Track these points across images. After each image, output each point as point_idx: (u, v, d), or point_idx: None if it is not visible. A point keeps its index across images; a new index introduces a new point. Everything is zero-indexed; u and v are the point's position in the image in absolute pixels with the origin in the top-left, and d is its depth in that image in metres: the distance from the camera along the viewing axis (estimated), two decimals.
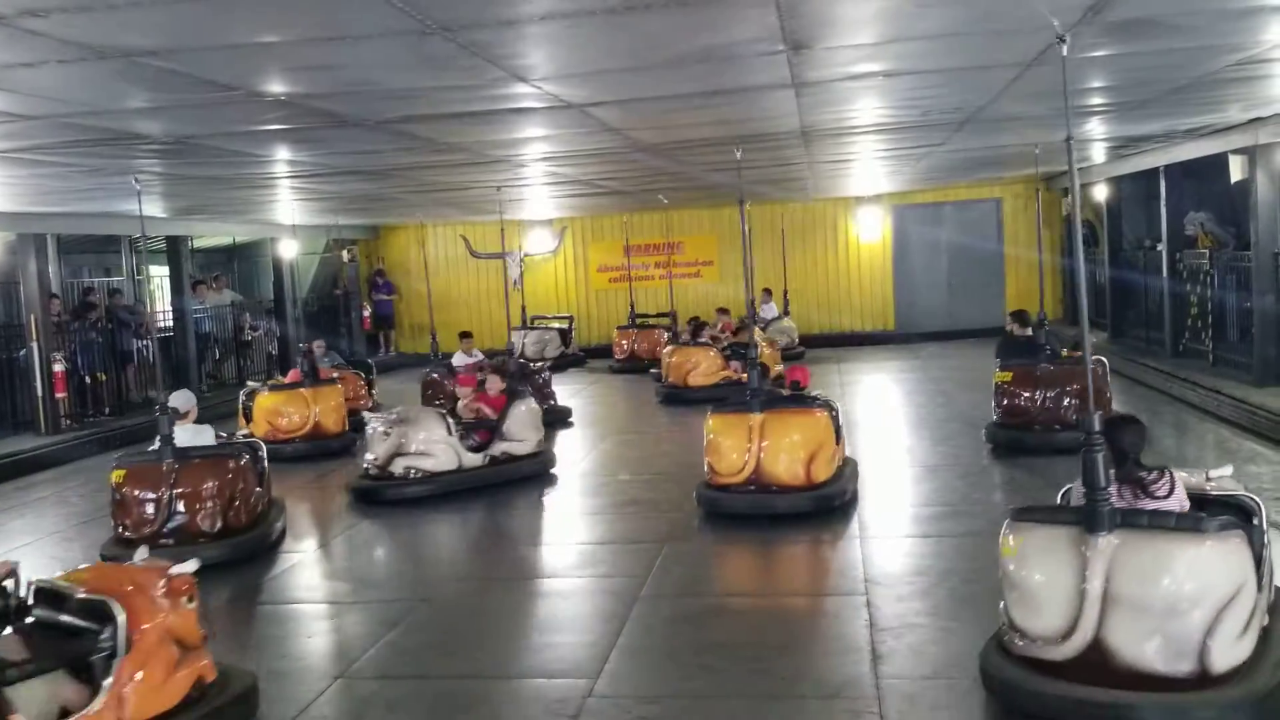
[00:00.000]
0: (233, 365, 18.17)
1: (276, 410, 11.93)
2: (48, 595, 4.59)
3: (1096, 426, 4.53)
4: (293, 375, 12.80)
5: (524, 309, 18.92)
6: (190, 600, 4.74)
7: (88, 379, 14.43)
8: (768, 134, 9.46)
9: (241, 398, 12.53)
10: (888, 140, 10.78)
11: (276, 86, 6.07)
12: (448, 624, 6.38)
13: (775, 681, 5.11)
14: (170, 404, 8.23)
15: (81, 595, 4.53)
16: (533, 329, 19.14)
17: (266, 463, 8.37)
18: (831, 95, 7.52)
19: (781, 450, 7.99)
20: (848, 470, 8.54)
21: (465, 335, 14.77)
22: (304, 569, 7.77)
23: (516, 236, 21.22)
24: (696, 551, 7.58)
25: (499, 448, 9.84)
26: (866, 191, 19.64)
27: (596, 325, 21.24)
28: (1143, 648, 4.27)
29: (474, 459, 9.62)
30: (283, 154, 9.13)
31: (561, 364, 18.23)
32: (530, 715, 4.94)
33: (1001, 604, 4.83)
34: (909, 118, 8.98)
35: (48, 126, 6.71)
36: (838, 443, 8.34)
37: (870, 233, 20.81)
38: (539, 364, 14.14)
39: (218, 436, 8.38)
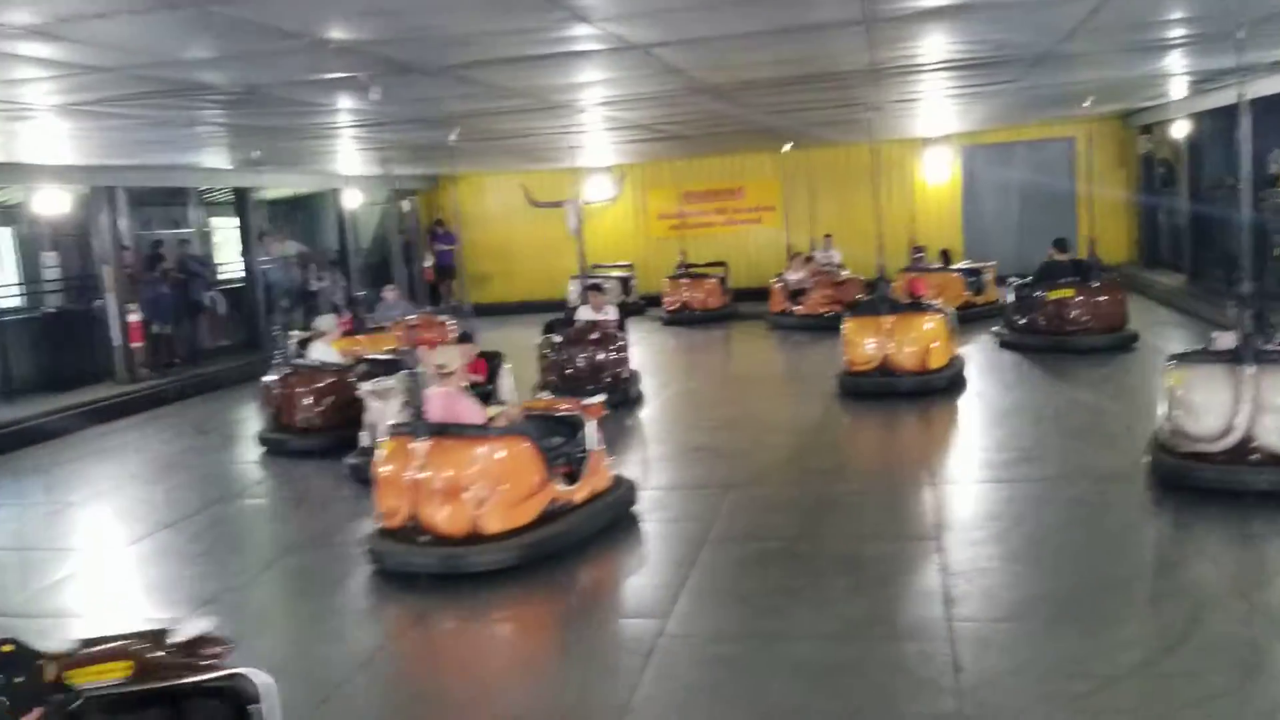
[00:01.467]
0: (300, 315, 18.40)
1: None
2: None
3: (1247, 291, 6.70)
4: (344, 324, 12.76)
5: (583, 257, 18.84)
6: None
7: (159, 330, 14.74)
8: (834, 73, 9.24)
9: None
10: (959, 78, 10.48)
11: (340, 33, 6.05)
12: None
13: (845, 624, 5.10)
14: (315, 325, 11.02)
15: (561, 413, 6.90)
16: (592, 277, 19.06)
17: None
18: (903, 31, 7.32)
19: (905, 344, 10.36)
20: (956, 361, 10.79)
21: (595, 288, 12.60)
22: None
23: (575, 184, 21.14)
24: (762, 495, 7.56)
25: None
26: (935, 132, 19.23)
27: (656, 274, 21.11)
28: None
29: None
30: (345, 103, 9.14)
31: (622, 313, 18.05)
32: (605, 652, 4.99)
33: (1162, 418, 6.85)
34: (982, 53, 8.72)
35: (118, 78, 6.76)
36: (949, 340, 10.62)
37: (939, 174, 20.41)
38: (607, 317, 11.90)
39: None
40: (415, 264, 21.16)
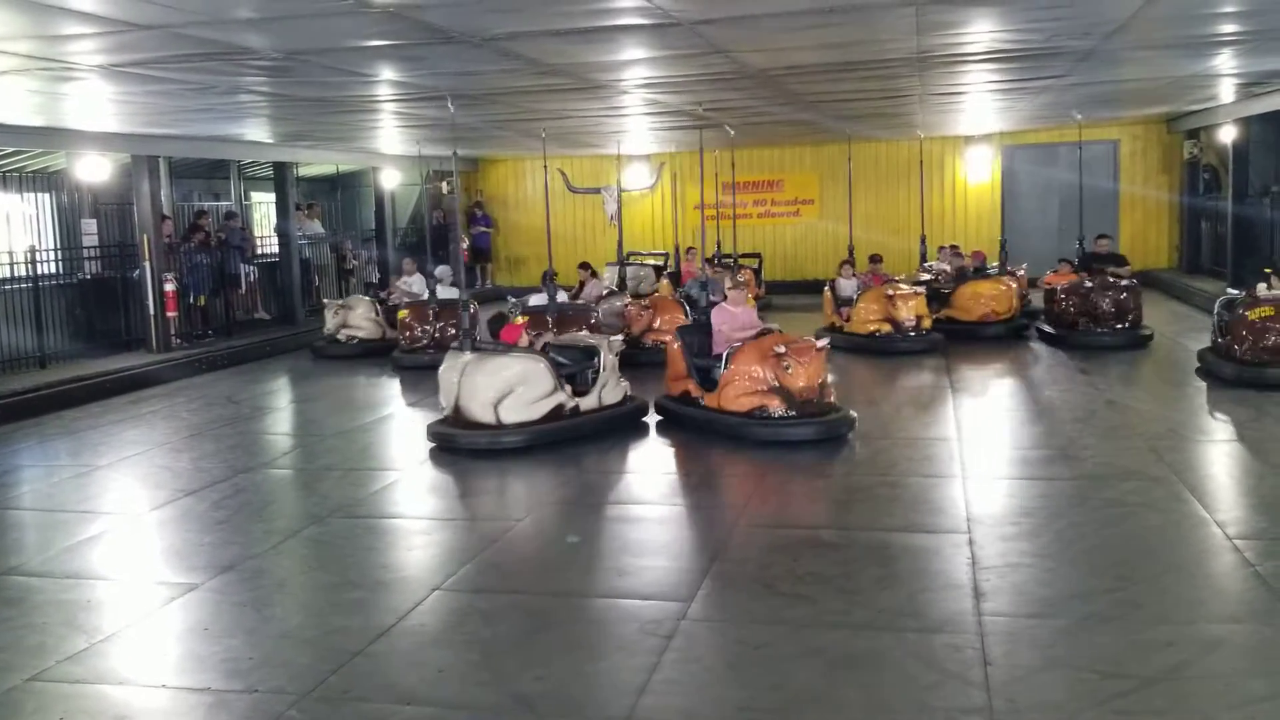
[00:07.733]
0: (334, 291, 18.51)
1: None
2: None
3: None
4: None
5: (620, 245, 18.79)
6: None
7: (195, 300, 14.83)
8: (880, 60, 9.12)
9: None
10: (1007, 70, 10.31)
11: None
12: (543, 544, 6.40)
13: (874, 613, 5.00)
14: (435, 273, 13.77)
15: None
16: (628, 265, 18.99)
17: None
18: (954, 16, 7.19)
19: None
20: (1022, 312, 13.98)
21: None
22: (401, 487, 7.87)
23: (614, 171, 21.07)
24: (792, 484, 7.46)
25: None
26: (976, 130, 19.03)
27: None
28: None
29: None
30: (387, 74, 9.11)
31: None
32: (625, 633, 4.91)
33: None
34: (1033, 42, 8.55)
35: (161, 38, 6.73)
36: (1016, 301, 13.82)
37: (979, 174, 20.21)
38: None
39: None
40: (453, 245, 21.17)
